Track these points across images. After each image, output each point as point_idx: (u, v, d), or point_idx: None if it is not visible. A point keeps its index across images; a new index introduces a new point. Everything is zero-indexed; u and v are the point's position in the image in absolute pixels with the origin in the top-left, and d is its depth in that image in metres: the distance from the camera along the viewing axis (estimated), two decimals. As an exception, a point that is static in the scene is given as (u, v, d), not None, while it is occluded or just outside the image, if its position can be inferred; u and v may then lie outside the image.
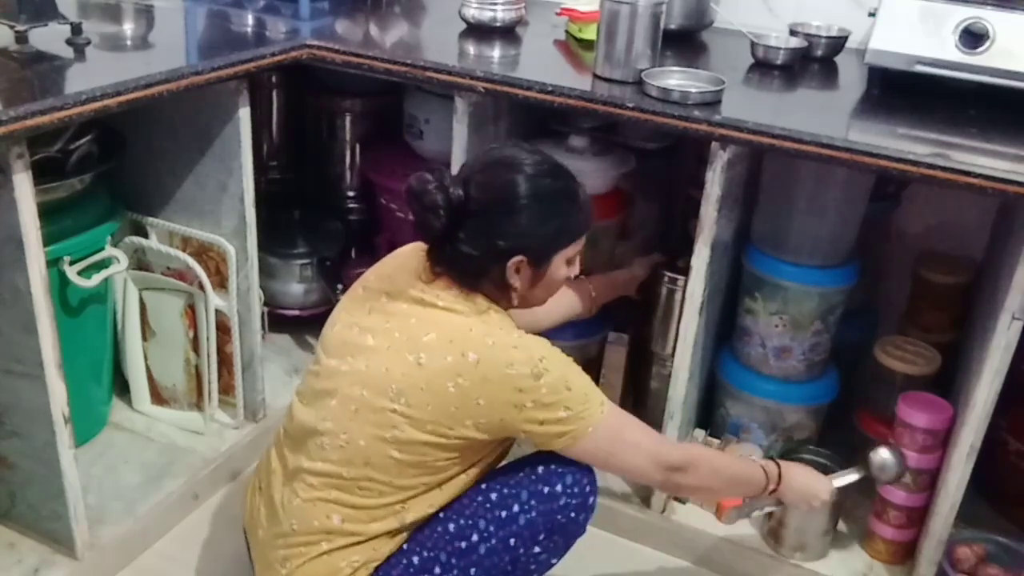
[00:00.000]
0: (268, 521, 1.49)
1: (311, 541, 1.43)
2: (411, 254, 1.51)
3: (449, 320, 1.39)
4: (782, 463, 1.61)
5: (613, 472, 1.52)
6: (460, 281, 1.42)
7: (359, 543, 1.43)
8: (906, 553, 1.86)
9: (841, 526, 1.96)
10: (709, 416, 2.07)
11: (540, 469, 1.46)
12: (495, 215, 1.39)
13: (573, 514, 1.46)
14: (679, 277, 1.84)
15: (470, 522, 1.44)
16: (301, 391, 1.53)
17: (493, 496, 1.45)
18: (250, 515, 1.56)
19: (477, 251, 1.39)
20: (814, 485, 1.61)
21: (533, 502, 1.44)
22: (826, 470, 1.72)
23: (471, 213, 1.38)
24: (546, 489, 1.44)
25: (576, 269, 1.52)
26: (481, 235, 1.38)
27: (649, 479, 1.53)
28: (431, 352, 1.36)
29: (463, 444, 1.40)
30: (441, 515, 1.46)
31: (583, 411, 1.39)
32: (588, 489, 1.47)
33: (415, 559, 1.43)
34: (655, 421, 1.93)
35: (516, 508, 1.44)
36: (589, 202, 1.50)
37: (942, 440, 1.75)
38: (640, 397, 2.25)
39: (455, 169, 1.83)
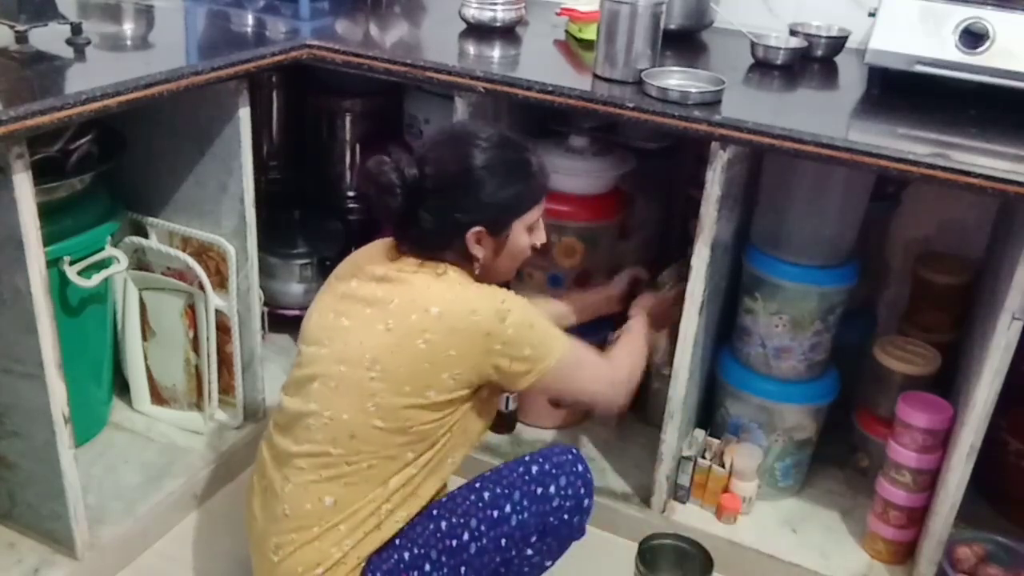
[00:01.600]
0: (262, 512, 1.50)
1: (303, 526, 1.43)
2: (379, 244, 1.56)
3: (410, 284, 1.44)
4: (633, 317, 1.78)
5: (568, 396, 1.68)
6: (424, 255, 1.47)
7: (349, 528, 1.43)
8: (906, 553, 1.86)
9: (841, 526, 1.97)
10: (709, 416, 2.07)
11: (534, 469, 1.46)
12: (450, 189, 1.44)
13: (567, 516, 1.46)
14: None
15: (461, 520, 1.44)
16: (286, 385, 1.54)
17: (486, 495, 1.45)
18: (248, 513, 1.56)
19: (437, 226, 1.44)
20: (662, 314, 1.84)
21: (525, 503, 1.44)
22: None
23: (428, 190, 1.43)
24: (539, 490, 1.44)
25: (542, 236, 1.56)
26: (439, 210, 1.43)
27: (602, 399, 1.61)
28: (397, 316, 1.41)
29: (443, 401, 1.41)
30: (434, 511, 1.46)
31: (547, 347, 1.45)
32: (583, 492, 1.47)
33: (406, 555, 1.43)
34: (655, 421, 1.93)
35: (508, 508, 1.43)
36: (544, 168, 1.53)
37: (942, 440, 1.75)
38: (640, 397, 2.25)
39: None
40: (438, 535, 1.43)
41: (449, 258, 1.47)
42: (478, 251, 1.47)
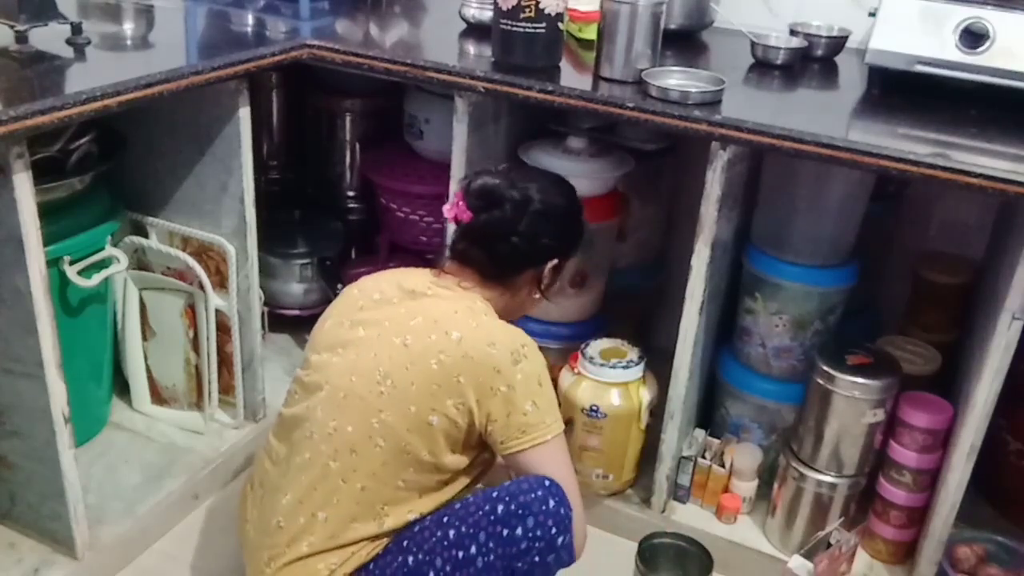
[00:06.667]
0: (258, 523, 1.50)
1: (294, 539, 1.42)
2: (408, 270, 1.57)
3: (436, 304, 1.46)
4: None
5: None
6: (487, 274, 1.51)
7: (338, 547, 1.42)
8: (906, 553, 1.86)
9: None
10: (709, 416, 2.07)
11: (500, 509, 1.36)
12: (551, 217, 1.52)
13: (538, 558, 1.36)
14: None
15: (427, 558, 1.38)
16: (290, 391, 1.55)
17: (451, 534, 1.38)
18: (242, 517, 1.57)
19: (524, 248, 1.50)
20: None
21: (491, 545, 1.36)
22: None
23: (533, 212, 1.50)
24: (505, 532, 1.35)
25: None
26: (535, 234, 1.50)
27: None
28: (416, 333, 1.42)
29: (443, 434, 1.40)
30: (404, 542, 1.42)
31: (547, 416, 1.42)
32: (555, 531, 1.36)
33: None
34: (655, 424, 1.93)
35: (474, 550, 1.36)
36: None
37: (942, 440, 1.75)
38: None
39: (456, 168, 1.84)
40: (404, 570, 1.39)
41: (508, 284, 1.54)
42: (547, 281, 1.57)
